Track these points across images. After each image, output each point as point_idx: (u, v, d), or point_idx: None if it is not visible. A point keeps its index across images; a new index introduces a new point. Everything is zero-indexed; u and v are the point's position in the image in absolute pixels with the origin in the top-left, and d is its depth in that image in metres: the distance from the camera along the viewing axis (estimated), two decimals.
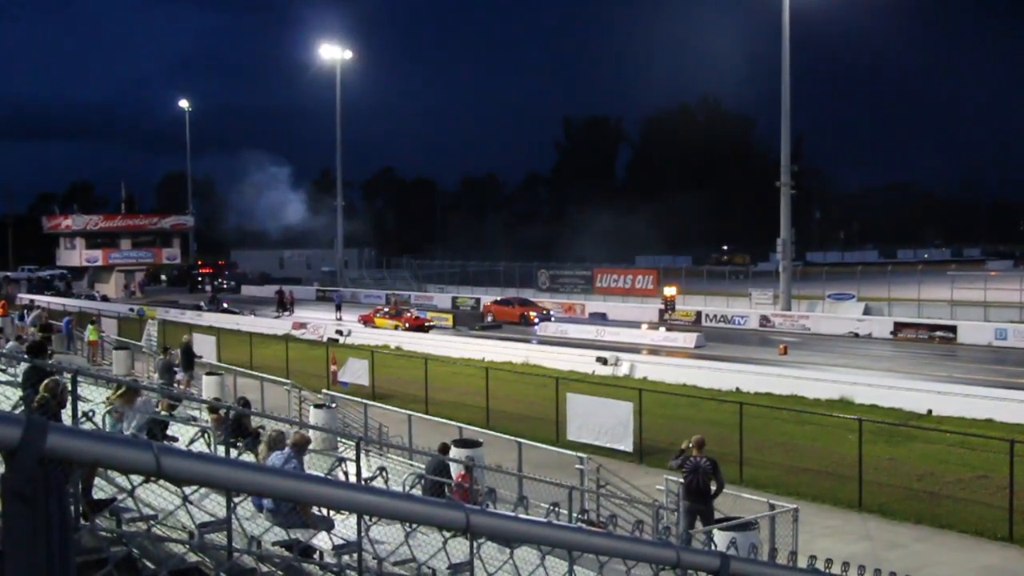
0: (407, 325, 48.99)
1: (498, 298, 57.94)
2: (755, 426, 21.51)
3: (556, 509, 10.31)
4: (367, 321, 51.00)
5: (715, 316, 52.08)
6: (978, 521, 16.14)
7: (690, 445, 13.94)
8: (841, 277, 60.08)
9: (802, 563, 4.92)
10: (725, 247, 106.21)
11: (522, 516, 2.95)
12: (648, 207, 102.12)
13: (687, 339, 42.84)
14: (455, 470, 14.59)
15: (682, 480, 13.98)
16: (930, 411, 24.63)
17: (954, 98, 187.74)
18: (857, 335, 45.56)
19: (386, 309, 54.97)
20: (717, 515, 13.67)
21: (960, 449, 20.30)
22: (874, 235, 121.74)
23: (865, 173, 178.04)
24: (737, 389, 28.24)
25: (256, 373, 27.86)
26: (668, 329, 46.36)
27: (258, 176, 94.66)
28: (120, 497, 7.78)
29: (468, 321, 53.43)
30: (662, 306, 53.20)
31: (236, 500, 6.93)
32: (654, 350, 40.51)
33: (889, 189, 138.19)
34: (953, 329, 43.71)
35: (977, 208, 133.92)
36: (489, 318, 53.65)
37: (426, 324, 50.39)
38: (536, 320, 51.49)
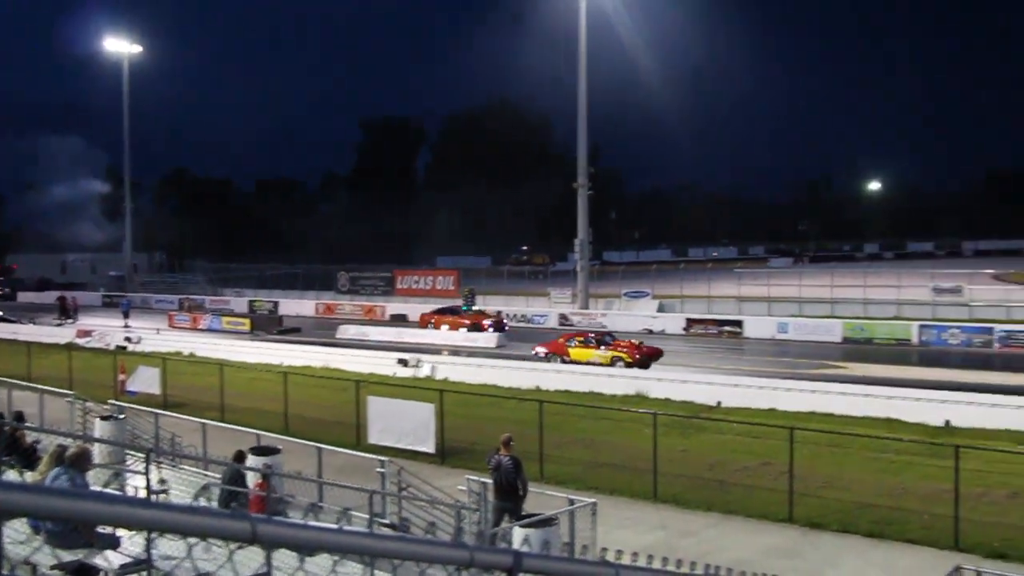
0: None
1: (440, 307, 51.38)
2: (555, 423, 21.91)
3: (348, 514, 10.16)
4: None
5: (515, 316, 52.80)
6: (763, 505, 16.98)
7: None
8: (636, 276, 62.07)
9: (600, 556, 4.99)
10: (525, 247, 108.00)
11: (312, 523, 2.84)
12: (449, 208, 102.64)
13: (488, 339, 43.29)
14: (253, 479, 14.15)
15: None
16: (719, 403, 25.79)
17: (739, 102, 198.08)
18: (651, 332, 47.18)
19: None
20: (525, 512, 13.83)
21: (746, 438, 21.36)
22: (667, 235, 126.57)
23: (658, 174, 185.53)
24: (537, 387, 28.70)
25: (35, 385, 26.20)
26: (469, 329, 46.70)
27: (55, 174, 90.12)
28: None
29: (266, 325, 52.16)
30: (463, 307, 53.52)
31: (6, 523, 6.46)
32: (455, 351, 40.70)
33: (680, 190, 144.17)
34: (739, 324, 45.96)
35: (760, 208, 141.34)
36: (432, 328, 48.35)
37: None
38: (489, 328, 46.88)
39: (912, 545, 15.09)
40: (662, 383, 28.16)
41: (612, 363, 33.99)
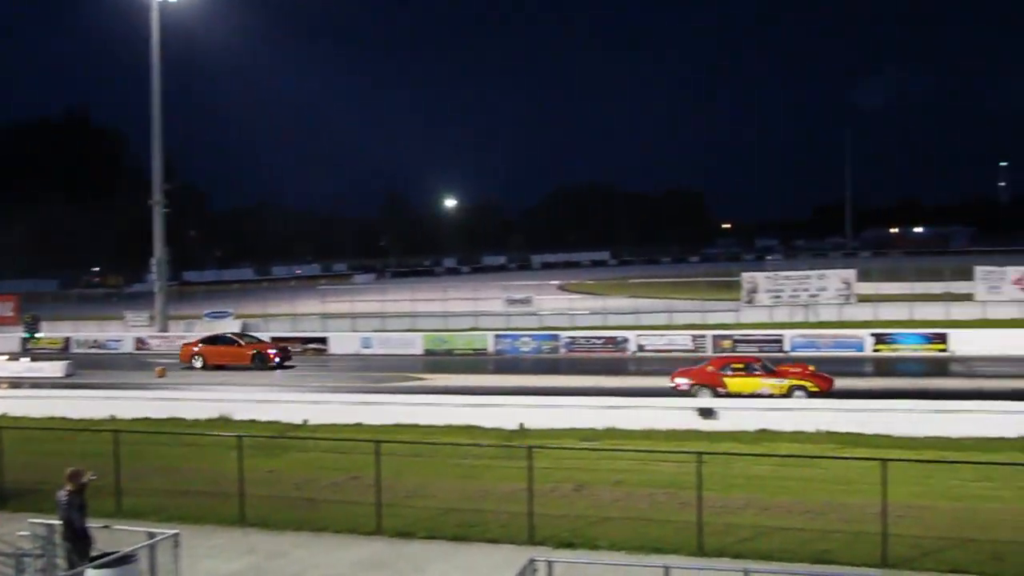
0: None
1: (207, 334, 44.53)
2: (134, 453, 20.60)
3: None
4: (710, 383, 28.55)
5: (86, 342, 49.52)
6: (352, 519, 17.06)
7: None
8: (218, 295, 60.67)
9: None
10: (97, 269, 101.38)
11: None
12: (8, 228, 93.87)
13: (54, 368, 40.06)
14: None
15: None
16: (306, 421, 25.66)
17: (322, 119, 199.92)
18: None
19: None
20: (97, 551, 12.85)
21: (334, 454, 21.41)
22: (251, 253, 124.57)
23: (241, 191, 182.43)
24: (113, 417, 26.93)
25: None
26: (32, 359, 42.78)
27: None
28: None
29: None
30: (25, 334, 49.18)
31: None
32: (16, 383, 37.30)
33: (263, 207, 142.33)
34: (324, 340, 46.12)
35: (343, 224, 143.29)
36: (198, 364, 41.09)
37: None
38: (276, 359, 40.49)
39: (493, 544, 15.84)
40: (247, 404, 27.55)
41: (789, 394, 27.45)
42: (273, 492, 18.87)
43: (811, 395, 27.19)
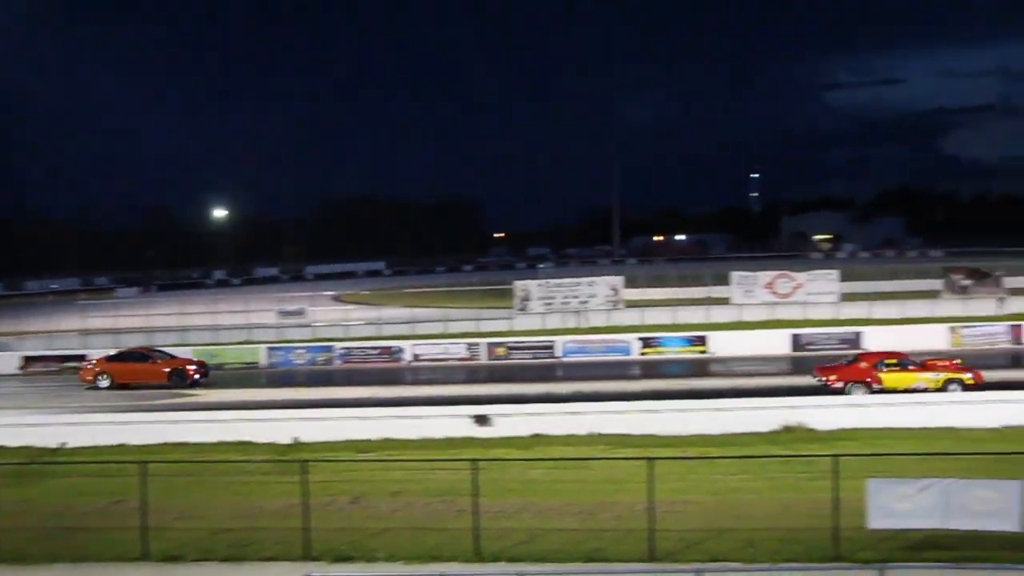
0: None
1: (116, 351, 39.80)
2: None
3: None
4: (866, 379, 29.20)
5: None
6: (115, 546, 16.25)
7: None
8: None
9: None
10: None
11: None
12: None
13: None
14: None
15: None
16: (63, 444, 24.22)
17: (79, 122, 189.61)
18: None
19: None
20: None
21: (96, 478, 20.27)
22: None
23: None
24: None
25: None
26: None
27: None
28: None
29: None
30: None
31: None
32: None
33: (14, 218, 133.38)
34: (82, 358, 43.60)
35: (105, 236, 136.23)
36: (104, 383, 36.92)
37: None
38: (195, 375, 37.03)
39: (269, 562, 15.48)
40: None
41: (944, 388, 28.19)
42: (26, 523, 17.65)
43: (966, 388, 28.09)
